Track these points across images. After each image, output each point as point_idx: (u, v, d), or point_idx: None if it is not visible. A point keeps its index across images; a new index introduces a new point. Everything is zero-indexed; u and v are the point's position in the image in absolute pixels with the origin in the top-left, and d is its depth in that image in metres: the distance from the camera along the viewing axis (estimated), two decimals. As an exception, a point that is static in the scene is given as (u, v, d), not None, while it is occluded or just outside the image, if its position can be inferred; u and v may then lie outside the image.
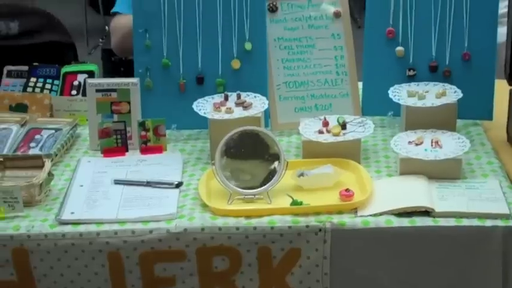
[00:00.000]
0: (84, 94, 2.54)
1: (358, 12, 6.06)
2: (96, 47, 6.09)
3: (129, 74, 2.51)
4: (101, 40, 6.18)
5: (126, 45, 2.90)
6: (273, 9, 2.51)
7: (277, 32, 2.50)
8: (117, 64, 4.14)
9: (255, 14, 2.43)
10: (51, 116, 2.53)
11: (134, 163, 2.25)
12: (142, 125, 2.30)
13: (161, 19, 2.42)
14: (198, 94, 2.38)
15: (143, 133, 2.30)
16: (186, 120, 2.38)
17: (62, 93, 2.60)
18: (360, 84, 2.52)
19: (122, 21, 2.98)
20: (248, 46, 2.43)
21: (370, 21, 2.47)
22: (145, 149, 2.30)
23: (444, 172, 2.11)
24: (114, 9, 3.07)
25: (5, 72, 2.69)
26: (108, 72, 4.17)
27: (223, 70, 2.43)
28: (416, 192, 2.04)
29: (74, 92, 2.60)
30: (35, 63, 2.69)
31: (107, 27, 6.39)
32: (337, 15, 2.51)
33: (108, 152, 2.30)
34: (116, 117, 2.34)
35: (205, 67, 2.43)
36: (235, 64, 2.43)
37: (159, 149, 2.30)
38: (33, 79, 2.65)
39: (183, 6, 2.42)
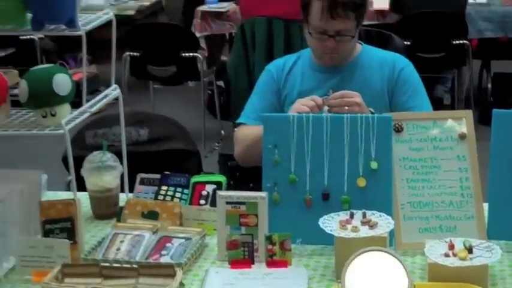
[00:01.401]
0: (212, 204, 2.63)
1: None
2: (212, 150, 6.26)
3: (245, 179, 2.57)
4: (216, 144, 6.35)
5: (249, 156, 3.01)
6: (399, 129, 2.56)
7: (402, 151, 2.54)
8: (234, 169, 4.24)
9: (381, 133, 2.49)
10: (181, 224, 2.60)
11: (260, 276, 2.30)
12: (269, 238, 2.35)
13: (290, 136, 2.50)
14: (324, 210, 2.43)
15: (270, 247, 2.35)
16: (311, 235, 2.42)
17: (191, 202, 2.69)
18: (485, 206, 2.52)
19: (247, 132, 3.07)
20: (374, 165, 2.48)
21: (496, 146, 2.48)
22: (271, 263, 2.34)
23: None
24: (239, 120, 3.18)
25: (138, 179, 2.80)
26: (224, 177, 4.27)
27: (348, 187, 2.48)
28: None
29: (202, 201, 2.68)
30: (166, 172, 2.79)
31: (222, 132, 6.62)
32: (462, 137, 2.55)
33: (235, 263, 2.35)
34: (243, 230, 2.41)
35: (331, 184, 2.49)
36: (361, 182, 2.48)
37: (284, 263, 2.34)
38: (164, 187, 2.75)
39: (311, 124, 2.50)
